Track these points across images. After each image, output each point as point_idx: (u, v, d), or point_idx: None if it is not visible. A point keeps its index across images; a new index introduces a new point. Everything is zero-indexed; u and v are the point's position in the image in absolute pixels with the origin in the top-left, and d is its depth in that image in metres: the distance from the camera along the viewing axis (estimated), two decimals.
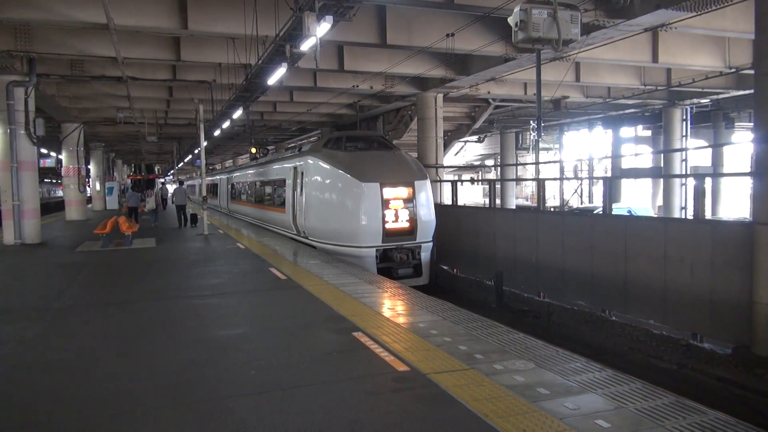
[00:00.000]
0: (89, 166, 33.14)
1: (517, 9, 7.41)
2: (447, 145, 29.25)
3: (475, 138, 36.85)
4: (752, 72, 9.70)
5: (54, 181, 54.16)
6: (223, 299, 8.15)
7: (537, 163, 20.30)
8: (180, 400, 4.40)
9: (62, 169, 25.18)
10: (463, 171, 51.19)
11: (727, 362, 8.35)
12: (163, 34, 13.26)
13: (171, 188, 47.24)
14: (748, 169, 21.64)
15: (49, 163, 32.97)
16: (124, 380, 4.87)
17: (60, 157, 26.63)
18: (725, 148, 28.40)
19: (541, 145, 35.36)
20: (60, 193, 46.13)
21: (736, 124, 27.94)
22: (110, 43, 11.67)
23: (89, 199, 33.11)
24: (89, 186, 33.83)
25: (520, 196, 43.29)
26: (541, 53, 12.35)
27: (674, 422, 3.77)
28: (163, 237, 16.99)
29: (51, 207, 38.81)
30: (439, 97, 19.32)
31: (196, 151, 32.77)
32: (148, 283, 9.66)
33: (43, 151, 32.92)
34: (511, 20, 7.56)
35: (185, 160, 47.71)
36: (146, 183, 37.61)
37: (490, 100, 23.44)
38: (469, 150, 47.20)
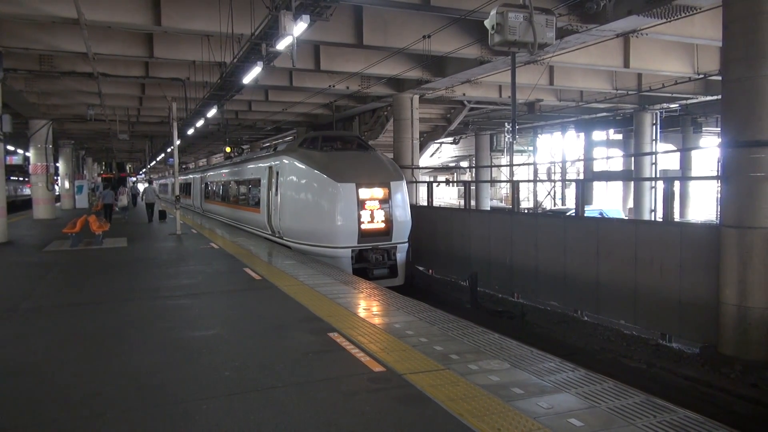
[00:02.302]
0: (58, 164, 32.38)
1: (493, 12, 7.47)
2: (423, 147, 29.41)
3: (450, 139, 37.08)
4: (719, 78, 9.97)
5: (21, 178, 52.79)
6: (197, 300, 8.04)
7: (511, 165, 20.56)
8: (152, 402, 4.32)
9: (30, 166, 24.54)
10: (438, 172, 51.42)
11: (695, 361, 8.55)
12: (135, 31, 13.03)
13: (141, 187, 46.94)
14: (715, 173, 22.20)
15: (15, 160, 32.10)
16: (94, 382, 4.77)
17: (27, 154, 25.93)
18: (693, 152, 29.12)
19: (515, 147, 35.83)
20: (27, 191, 44.97)
21: (703, 128, 28.66)
22: (81, 39, 11.42)
23: (58, 198, 32.39)
24: (58, 184, 33.08)
25: (495, 197, 43.66)
26: (516, 57, 12.46)
27: (645, 420, 3.84)
28: (134, 236, 16.69)
29: (18, 205, 37.84)
30: (415, 98, 19.39)
31: (169, 150, 32.29)
32: (119, 283, 9.47)
33: (10, 147, 32.06)
34: (487, 23, 7.62)
35: (158, 159, 46.97)
36: (118, 181, 37.13)
37: (466, 102, 23.60)
38: (444, 151, 47.49)
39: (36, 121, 23.11)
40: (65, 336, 6.26)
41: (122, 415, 4.09)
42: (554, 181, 37.55)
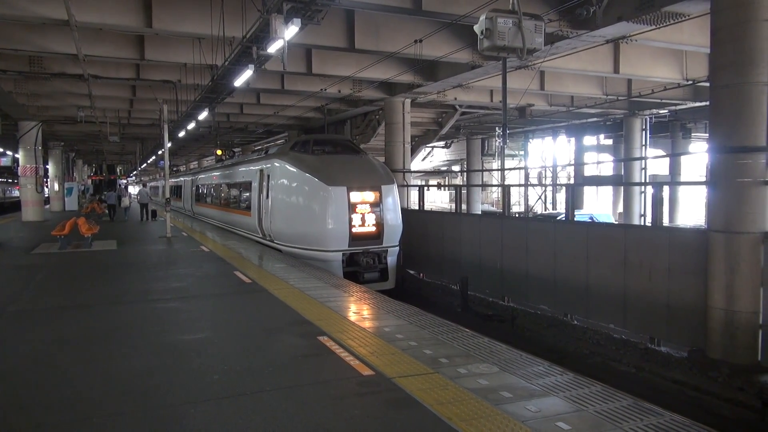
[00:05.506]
0: (47, 166, 32.16)
1: (482, 17, 7.51)
2: (414, 150, 29.40)
3: (442, 143, 37.18)
4: (708, 84, 10.05)
5: (10, 180, 52.35)
6: (186, 303, 8.00)
7: (502, 169, 20.61)
8: (140, 406, 4.30)
9: (19, 168, 24.36)
10: (430, 176, 51.57)
11: (683, 365, 8.61)
12: (126, 33, 12.98)
13: (133, 189, 47.15)
14: (703, 178, 22.37)
15: (4, 162, 31.88)
16: (81, 386, 4.74)
17: (17, 156, 25.75)
18: (682, 158, 29.36)
19: (506, 151, 35.94)
20: (16, 193, 44.63)
21: (692, 134, 28.86)
22: (71, 40, 11.35)
23: (47, 200, 32.16)
24: (47, 186, 32.85)
25: (486, 201, 43.77)
26: (507, 61, 12.54)
27: (632, 424, 3.87)
28: (124, 239, 16.59)
29: (6, 207, 37.57)
30: (406, 102, 19.43)
31: (159, 152, 32.16)
32: (108, 286, 9.41)
33: None
34: (476, 28, 7.65)
35: (148, 161, 46.77)
36: (108, 183, 37.25)
37: (457, 107, 23.68)
38: (436, 155, 47.60)
39: (25, 122, 22.95)
40: (52, 340, 6.21)
41: (110, 420, 4.06)
42: (545, 186, 37.71)
